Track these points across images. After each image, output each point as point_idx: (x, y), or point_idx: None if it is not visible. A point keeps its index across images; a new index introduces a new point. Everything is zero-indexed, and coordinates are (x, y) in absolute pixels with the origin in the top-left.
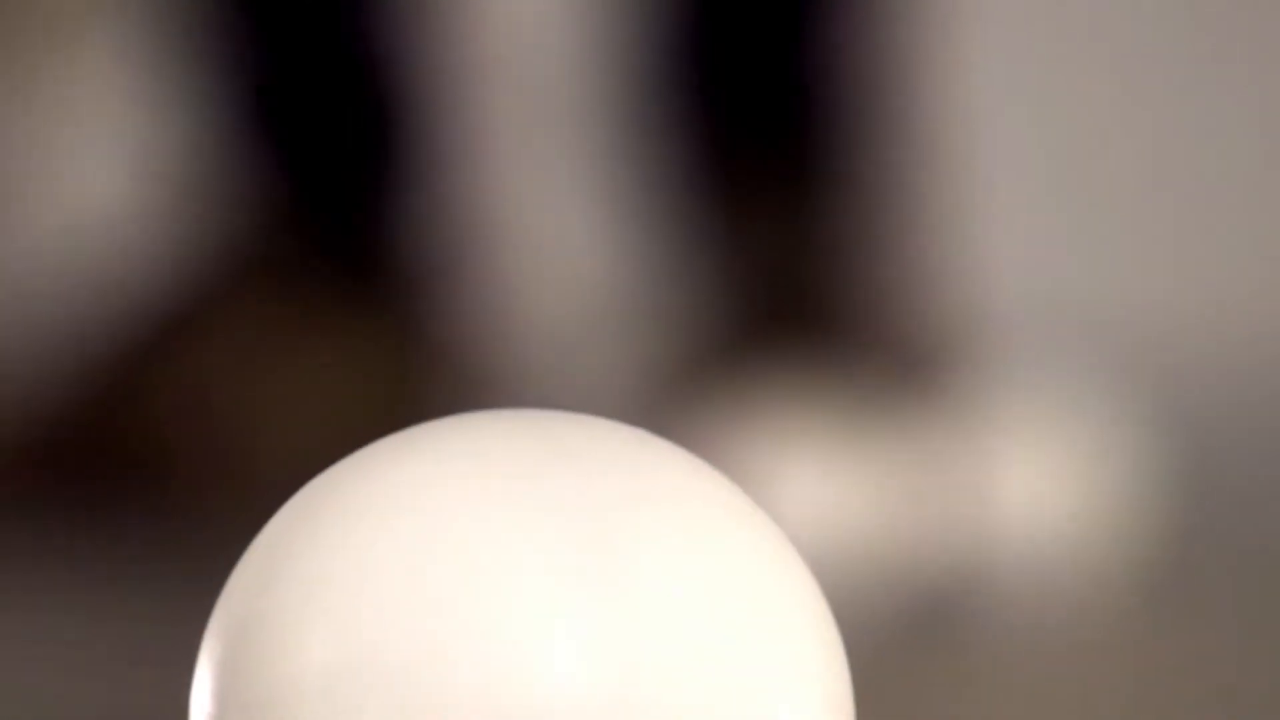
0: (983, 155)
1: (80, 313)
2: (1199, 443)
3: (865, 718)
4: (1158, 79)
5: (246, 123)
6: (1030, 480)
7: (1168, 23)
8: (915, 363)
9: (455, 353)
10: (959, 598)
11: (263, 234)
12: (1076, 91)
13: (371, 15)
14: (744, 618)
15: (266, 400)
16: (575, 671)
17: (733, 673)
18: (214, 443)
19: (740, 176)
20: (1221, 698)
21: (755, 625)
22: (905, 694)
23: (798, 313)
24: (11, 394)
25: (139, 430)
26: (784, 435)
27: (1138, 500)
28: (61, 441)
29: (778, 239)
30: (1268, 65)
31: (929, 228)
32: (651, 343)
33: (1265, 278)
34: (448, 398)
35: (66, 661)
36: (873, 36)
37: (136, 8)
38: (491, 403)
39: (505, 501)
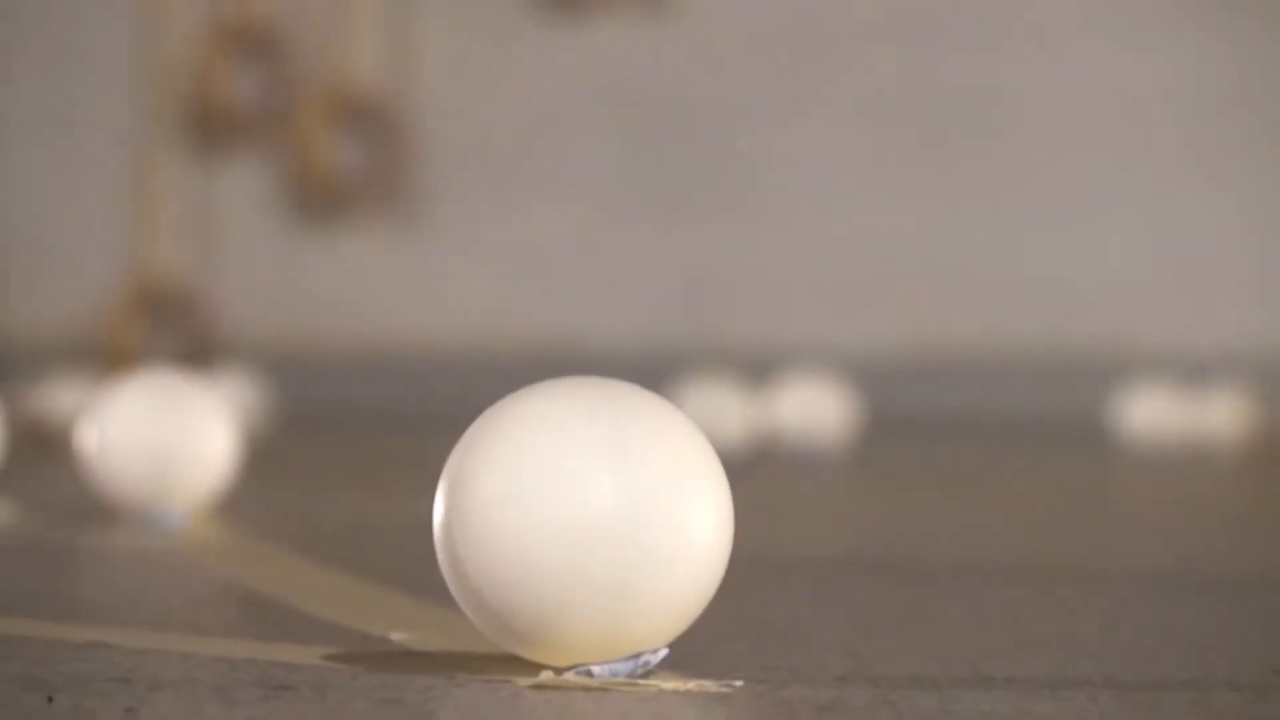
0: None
1: None
2: (871, 392)
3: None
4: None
5: None
6: (807, 406)
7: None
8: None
9: None
10: (770, 450)
11: None
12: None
13: None
14: (684, 468)
15: None
16: (607, 495)
17: (682, 499)
18: None
19: None
20: (900, 491)
21: (690, 471)
22: (746, 511)
23: None
24: None
25: None
26: None
27: (853, 415)
28: None
29: None
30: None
31: None
32: None
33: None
34: None
35: None
36: None
37: None
38: None
39: (578, 417)
